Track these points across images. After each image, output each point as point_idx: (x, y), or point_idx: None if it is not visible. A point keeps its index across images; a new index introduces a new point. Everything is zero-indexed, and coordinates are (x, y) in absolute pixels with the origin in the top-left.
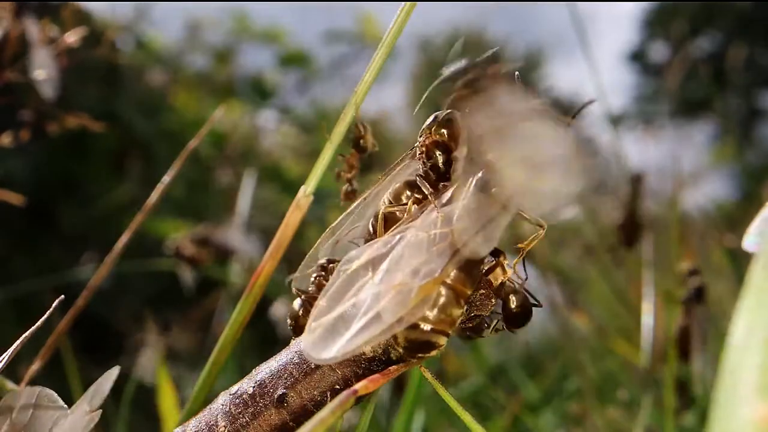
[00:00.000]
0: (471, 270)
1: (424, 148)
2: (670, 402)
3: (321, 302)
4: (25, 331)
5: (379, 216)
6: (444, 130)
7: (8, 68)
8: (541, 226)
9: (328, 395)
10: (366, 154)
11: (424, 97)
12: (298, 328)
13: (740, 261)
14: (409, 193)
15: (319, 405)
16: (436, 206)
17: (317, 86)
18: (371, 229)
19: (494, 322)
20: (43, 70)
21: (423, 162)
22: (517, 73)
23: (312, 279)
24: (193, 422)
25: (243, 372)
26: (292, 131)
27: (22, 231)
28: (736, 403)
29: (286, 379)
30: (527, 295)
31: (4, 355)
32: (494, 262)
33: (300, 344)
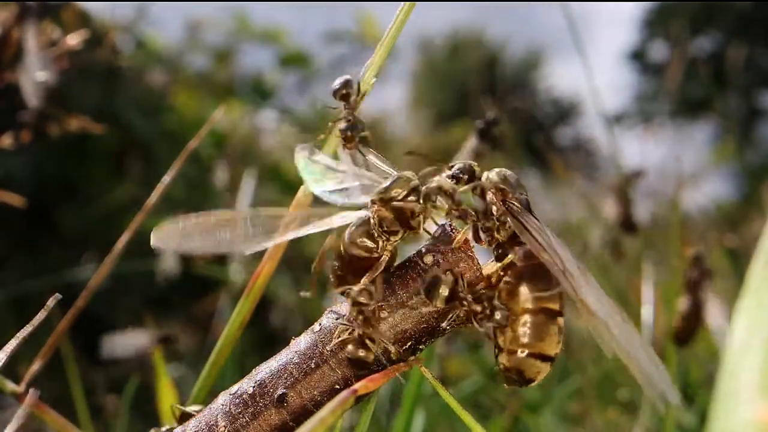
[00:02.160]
0: None
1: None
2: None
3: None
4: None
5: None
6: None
7: (9, 70)
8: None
9: (328, 395)
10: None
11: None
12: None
13: (740, 261)
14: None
15: (319, 405)
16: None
17: (317, 86)
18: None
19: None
20: (38, 74)
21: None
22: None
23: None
24: (193, 422)
25: (243, 372)
26: (292, 131)
27: (22, 231)
28: (736, 403)
29: (286, 379)
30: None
31: (0, 353)
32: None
33: (300, 344)
